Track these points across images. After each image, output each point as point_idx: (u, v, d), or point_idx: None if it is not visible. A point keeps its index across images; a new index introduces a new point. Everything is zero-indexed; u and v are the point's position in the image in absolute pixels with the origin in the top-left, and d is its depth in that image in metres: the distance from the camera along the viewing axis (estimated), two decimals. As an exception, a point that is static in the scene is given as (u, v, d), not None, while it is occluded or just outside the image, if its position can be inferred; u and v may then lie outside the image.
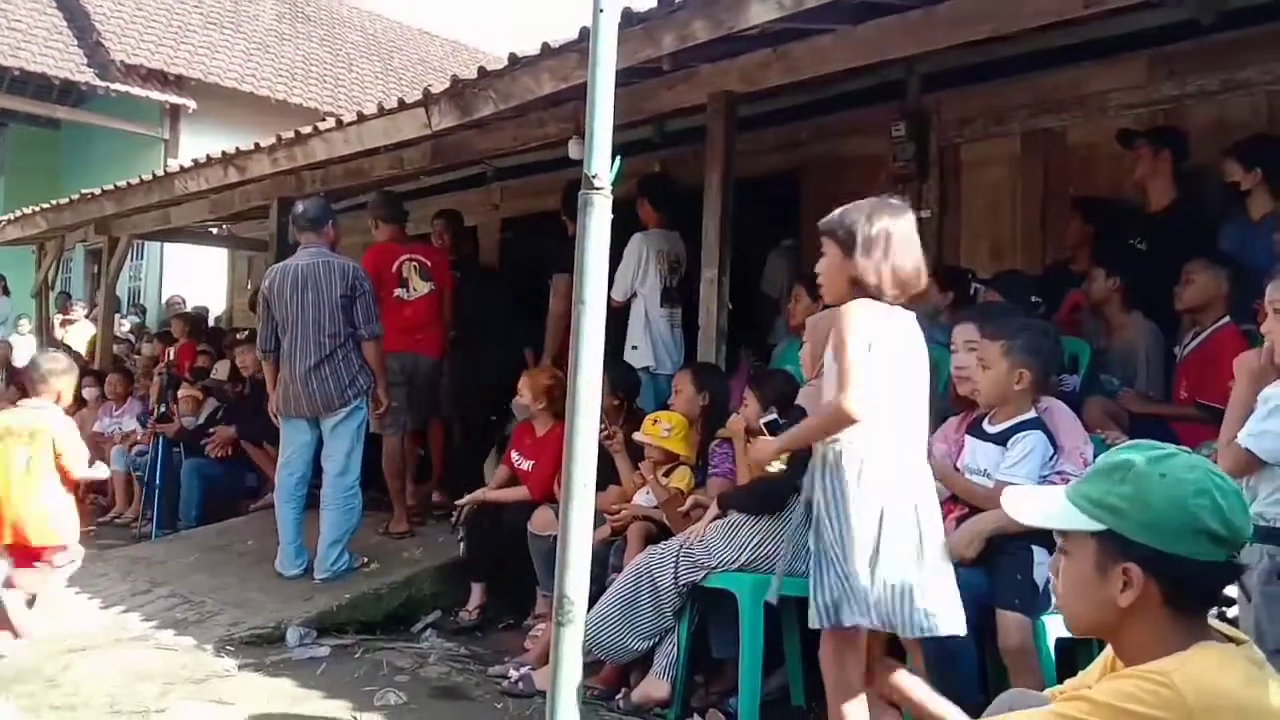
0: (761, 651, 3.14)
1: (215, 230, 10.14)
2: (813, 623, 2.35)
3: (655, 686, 3.34)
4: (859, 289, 2.39)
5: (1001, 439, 2.73)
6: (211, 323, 10.59)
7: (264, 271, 9.37)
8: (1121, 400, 3.70)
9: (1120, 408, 3.63)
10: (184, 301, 11.04)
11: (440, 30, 18.89)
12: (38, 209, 9.12)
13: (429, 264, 5.74)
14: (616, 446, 4.20)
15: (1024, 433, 2.69)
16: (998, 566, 2.57)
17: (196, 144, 12.72)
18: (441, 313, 5.80)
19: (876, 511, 2.27)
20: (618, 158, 2.17)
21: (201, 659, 4.03)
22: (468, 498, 4.69)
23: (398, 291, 5.60)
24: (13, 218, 9.58)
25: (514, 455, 4.79)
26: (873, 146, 5.56)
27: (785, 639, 3.45)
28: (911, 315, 2.48)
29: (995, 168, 5.26)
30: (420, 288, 5.65)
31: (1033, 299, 4.00)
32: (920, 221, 5.30)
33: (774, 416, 3.52)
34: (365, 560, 4.99)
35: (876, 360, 2.28)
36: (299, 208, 5.29)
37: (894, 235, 2.42)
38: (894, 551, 2.25)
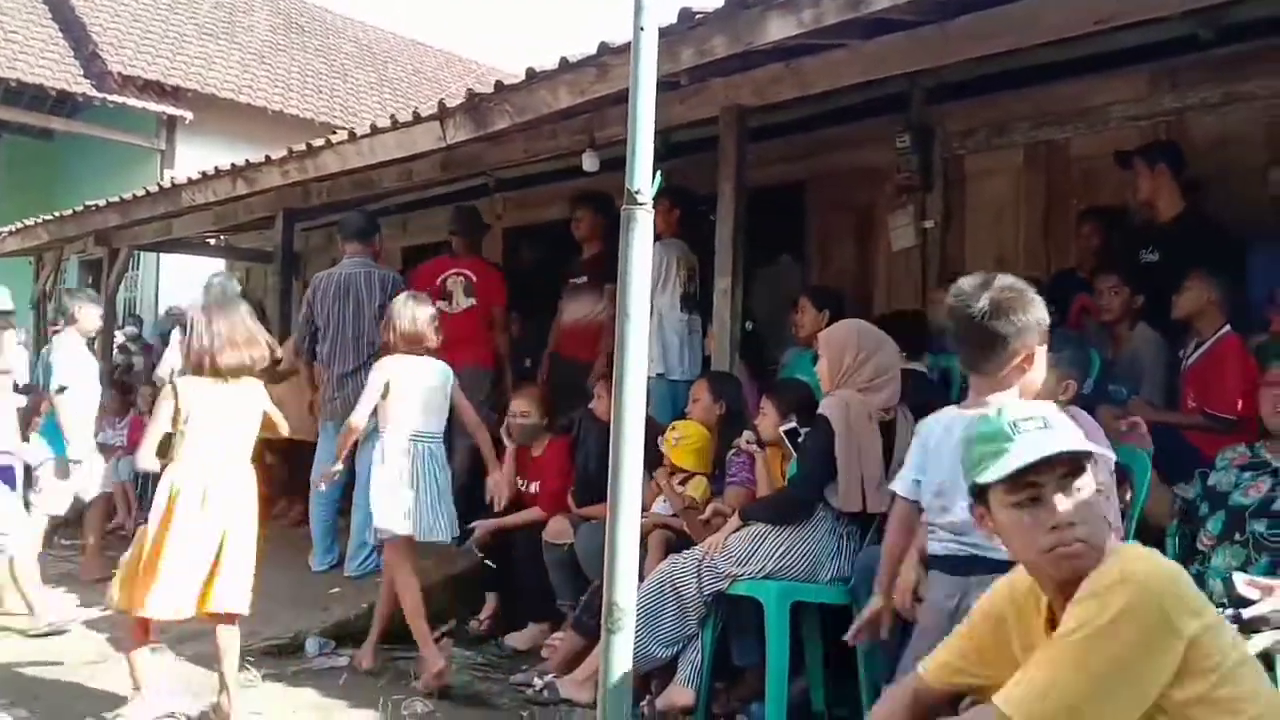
0: (788, 658, 3.20)
1: (213, 240, 10.14)
2: None
3: (680, 693, 3.38)
4: None
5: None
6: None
7: (262, 280, 9.45)
8: (1131, 409, 3.76)
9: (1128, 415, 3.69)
10: (183, 312, 11.01)
11: (433, 41, 18.95)
12: (39, 220, 9.12)
13: (475, 279, 5.80)
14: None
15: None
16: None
17: (193, 155, 12.71)
18: (483, 327, 5.83)
19: None
20: (657, 173, 2.22)
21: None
22: (481, 528, 4.69)
23: (440, 304, 5.67)
24: (13, 229, 9.56)
25: (518, 481, 4.78)
26: (877, 157, 5.63)
27: (806, 645, 3.49)
28: None
29: (999, 179, 5.34)
30: (463, 302, 5.73)
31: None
32: (924, 232, 5.48)
33: (793, 425, 3.59)
34: None
35: None
36: (346, 218, 5.49)
37: None
38: None
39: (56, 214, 8.89)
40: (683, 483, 4.09)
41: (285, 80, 14.32)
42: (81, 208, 8.29)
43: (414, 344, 4.07)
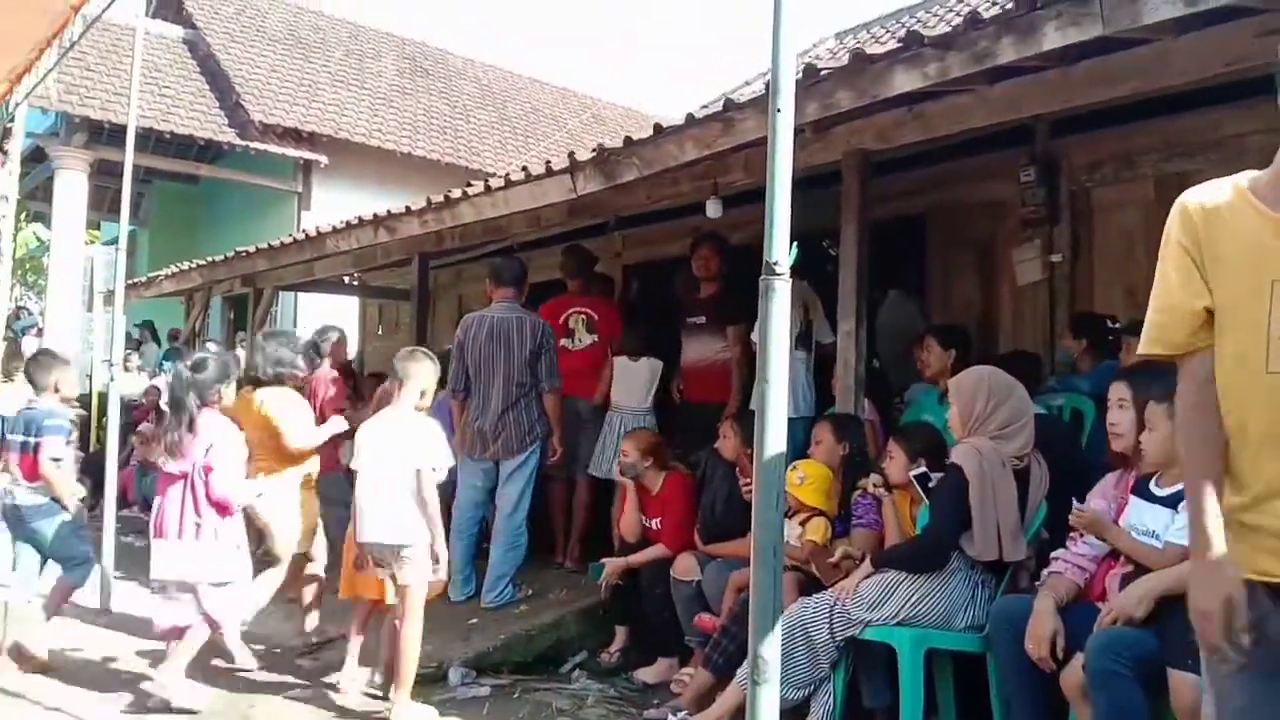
0: (923, 704, 3.23)
1: (348, 279, 10.69)
2: None
3: (813, 735, 3.44)
4: None
5: (1171, 502, 2.78)
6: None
7: (393, 316, 9.89)
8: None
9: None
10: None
11: (549, 78, 19.49)
12: (194, 265, 9.80)
13: (596, 317, 6.09)
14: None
15: (1194, 496, 2.73)
16: (1169, 626, 2.61)
17: (326, 197, 13.45)
18: (603, 362, 6.09)
19: None
20: (793, 244, 2.33)
21: (372, 701, 4.29)
22: (610, 566, 4.85)
23: (563, 341, 5.97)
24: (170, 273, 10.28)
25: (641, 518, 4.94)
26: (1000, 191, 5.61)
27: (939, 691, 3.52)
28: None
29: (1128, 212, 5.24)
30: (585, 339, 6.03)
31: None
32: (1051, 266, 5.42)
33: (923, 469, 3.63)
34: (528, 591, 5.34)
35: None
36: (501, 265, 5.83)
37: None
38: None
39: (210, 259, 9.54)
40: (802, 523, 4.14)
41: (412, 123, 14.97)
42: (232, 253, 8.88)
43: None
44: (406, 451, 3.99)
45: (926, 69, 3.55)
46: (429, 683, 4.45)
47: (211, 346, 12.71)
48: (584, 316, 6.12)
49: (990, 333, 5.62)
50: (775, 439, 2.24)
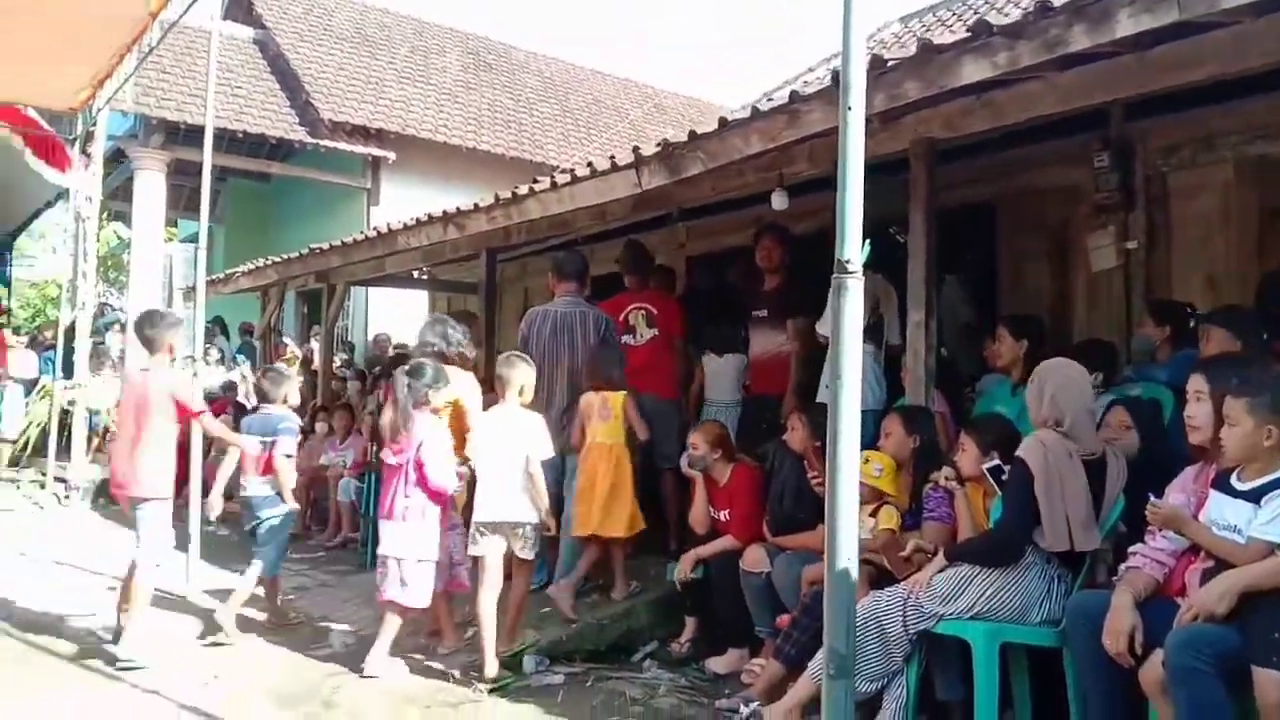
0: (998, 699, 3.23)
1: (416, 274, 10.88)
2: None
3: (886, 728, 3.45)
4: None
5: (1254, 496, 2.73)
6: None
7: (461, 308, 10.06)
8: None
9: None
10: (389, 339, 11.84)
11: (611, 69, 19.53)
12: (270, 262, 10.06)
13: (656, 312, 6.13)
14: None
15: (1278, 491, 2.69)
16: (1252, 622, 2.58)
17: (395, 193, 13.68)
18: (665, 356, 6.13)
19: None
20: (866, 241, 2.35)
21: (451, 684, 4.41)
22: (684, 560, 4.88)
23: (624, 338, 6.04)
24: (246, 270, 10.57)
25: (710, 509, 4.97)
26: (1072, 176, 5.51)
27: (1014, 686, 3.50)
28: None
29: (1206, 196, 5.11)
30: (645, 334, 6.07)
31: (1263, 335, 3.90)
32: (1126, 253, 5.31)
33: (996, 462, 3.60)
34: (599, 581, 5.41)
35: None
36: (564, 259, 5.95)
37: None
38: None
39: (284, 256, 9.79)
40: (873, 513, 4.14)
41: (476, 117, 15.14)
42: (306, 250, 9.11)
43: None
44: (517, 442, 4.63)
45: (996, 58, 3.51)
46: (504, 669, 4.55)
47: (288, 340, 13.13)
48: (644, 312, 6.16)
49: (1064, 321, 5.54)
50: (849, 436, 2.26)
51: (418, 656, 4.77)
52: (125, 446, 4.92)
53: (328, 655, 4.95)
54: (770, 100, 5.17)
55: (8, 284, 14.91)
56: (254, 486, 5.38)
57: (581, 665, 4.69)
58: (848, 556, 2.19)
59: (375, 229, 8.34)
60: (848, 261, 2.30)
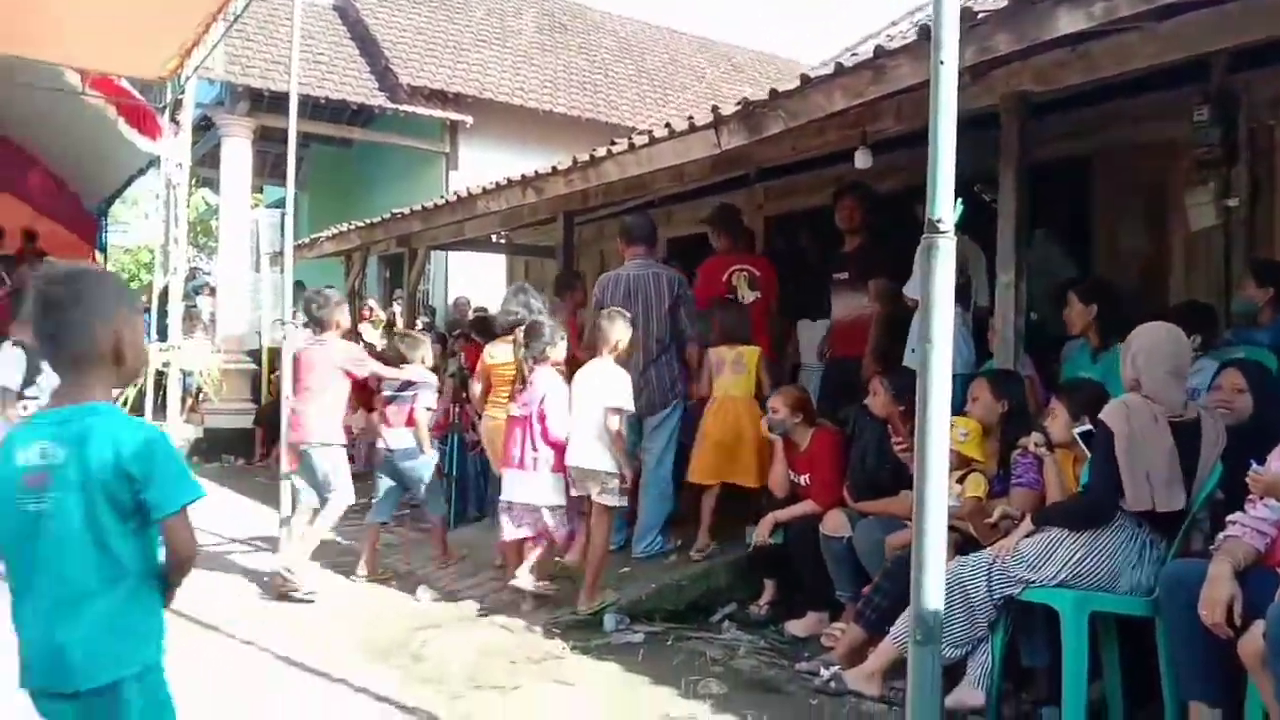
0: (1086, 667, 3.17)
1: (495, 238, 10.97)
2: None
3: (970, 695, 3.42)
4: None
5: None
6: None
7: (539, 272, 10.15)
8: None
9: None
10: (469, 303, 11.98)
11: (687, 27, 19.29)
12: (353, 226, 10.25)
13: (758, 274, 6.11)
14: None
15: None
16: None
17: (473, 156, 13.76)
18: (764, 320, 6.11)
19: None
20: (958, 200, 2.29)
21: (534, 640, 4.50)
22: (762, 524, 4.88)
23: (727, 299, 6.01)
24: (330, 235, 10.79)
25: (790, 474, 4.95)
26: (1171, 131, 5.28)
27: (1104, 654, 3.43)
28: None
29: (1316, 151, 4.88)
30: (748, 296, 6.05)
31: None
32: (1227, 210, 5.10)
33: (1088, 427, 3.51)
34: (678, 542, 5.48)
35: None
36: (633, 222, 5.98)
37: None
38: None
39: (367, 221, 9.96)
40: (959, 480, 4.08)
41: (552, 80, 15.11)
42: (389, 215, 9.25)
43: None
44: (600, 394, 4.85)
45: (1092, 9, 3.38)
46: (585, 627, 4.65)
47: (372, 303, 13.39)
48: (746, 274, 6.11)
49: (1160, 282, 5.35)
50: (939, 401, 2.22)
51: (501, 617, 4.87)
52: (303, 405, 5.63)
53: (415, 609, 5.09)
54: (855, 55, 5.05)
55: (104, 250, 15.40)
56: (396, 438, 5.84)
57: (661, 625, 4.74)
58: (937, 523, 2.16)
59: (455, 193, 8.42)
60: (939, 221, 2.24)
